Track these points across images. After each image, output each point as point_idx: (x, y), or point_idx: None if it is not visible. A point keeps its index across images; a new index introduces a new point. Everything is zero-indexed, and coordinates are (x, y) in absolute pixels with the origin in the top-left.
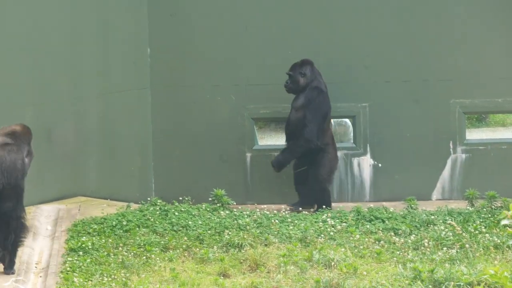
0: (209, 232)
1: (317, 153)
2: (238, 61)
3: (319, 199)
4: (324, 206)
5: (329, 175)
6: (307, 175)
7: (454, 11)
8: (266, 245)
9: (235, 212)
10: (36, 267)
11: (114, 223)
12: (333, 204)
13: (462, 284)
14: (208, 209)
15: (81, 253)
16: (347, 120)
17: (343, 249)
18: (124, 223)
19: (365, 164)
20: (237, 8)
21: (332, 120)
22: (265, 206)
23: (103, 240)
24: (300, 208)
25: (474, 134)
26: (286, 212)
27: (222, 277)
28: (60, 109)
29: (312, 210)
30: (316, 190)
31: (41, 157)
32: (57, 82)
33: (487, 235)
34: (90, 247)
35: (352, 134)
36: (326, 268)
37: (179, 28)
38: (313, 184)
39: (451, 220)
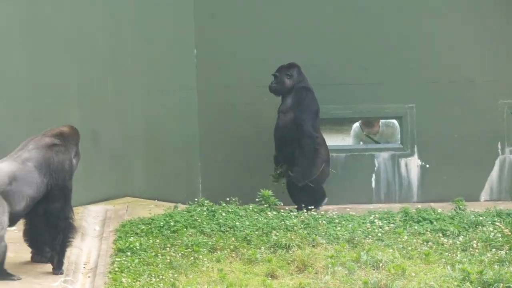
0: (256, 232)
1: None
2: (283, 61)
3: (310, 198)
4: (312, 207)
5: (322, 176)
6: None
7: (500, 11)
8: (313, 246)
9: (283, 213)
10: (84, 267)
11: (161, 223)
12: (380, 205)
13: (511, 285)
14: (255, 209)
15: (129, 253)
16: (395, 121)
17: (391, 250)
18: (172, 223)
19: (412, 165)
20: (277, 8)
21: (380, 121)
22: (312, 206)
23: (151, 241)
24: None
25: None
26: (333, 212)
27: (269, 278)
28: (106, 110)
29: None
30: (308, 189)
31: (88, 158)
32: (103, 83)
33: None
34: (138, 247)
35: (399, 135)
36: (374, 269)
37: (225, 29)
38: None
39: (500, 222)
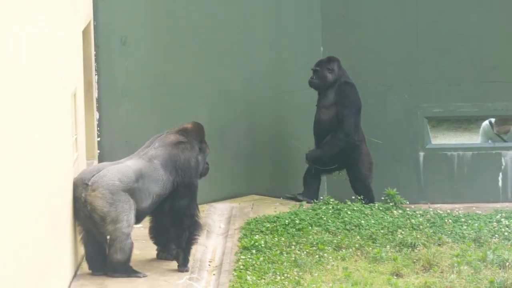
0: (381, 231)
1: (352, 151)
2: (410, 60)
3: (364, 197)
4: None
5: (370, 171)
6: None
7: None
8: (439, 245)
9: (408, 212)
10: (209, 265)
11: (286, 221)
12: (507, 204)
13: None
14: (380, 208)
15: (254, 251)
16: None
17: None
18: (297, 221)
19: None
20: (407, 8)
21: None
22: (438, 205)
23: (276, 239)
24: (301, 198)
25: None
26: (460, 211)
27: (395, 277)
28: (233, 108)
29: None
30: (360, 189)
31: (214, 155)
32: (231, 82)
33: None
34: (263, 245)
35: None
36: (500, 269)
37: (351, 29)
38: (356, 184)
39: None
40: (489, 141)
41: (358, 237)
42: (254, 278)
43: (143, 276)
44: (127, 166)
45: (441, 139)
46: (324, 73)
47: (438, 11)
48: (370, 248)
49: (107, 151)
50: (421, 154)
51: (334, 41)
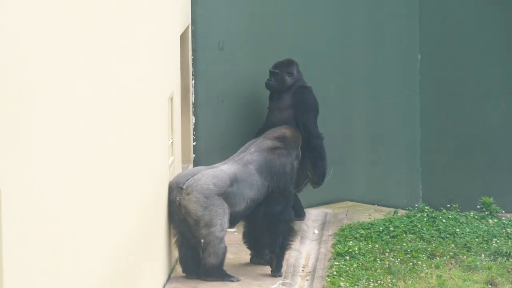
0: (476, 240)
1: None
2: (509, 69)
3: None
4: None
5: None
6: None
7: None
8: None
9: (504, 221)
10: (302, 270)
11: (381, 228)
12: None
13: None
14: (476, 216)
15: (347, 257)
16: None
17: None
18: (391, 229)
19: None
20: (509, 12)
21: None
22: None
23: (370, 245)
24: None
25: None
26: None
27: (489, 286)
28: (328, 114)
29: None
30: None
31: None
32: (325, 87)
33: None
34: (356, 251)
35: None
36: None
37: (450, 35)
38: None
39: None
40: None
41: (452, 245)
42: (347, 285)
43: (236, 280)
44: (221, 171)
45: None
46: (283, 76)
47: None
48: (465, 257)
49: (202, 155)
50: None
51: (432, 47)
